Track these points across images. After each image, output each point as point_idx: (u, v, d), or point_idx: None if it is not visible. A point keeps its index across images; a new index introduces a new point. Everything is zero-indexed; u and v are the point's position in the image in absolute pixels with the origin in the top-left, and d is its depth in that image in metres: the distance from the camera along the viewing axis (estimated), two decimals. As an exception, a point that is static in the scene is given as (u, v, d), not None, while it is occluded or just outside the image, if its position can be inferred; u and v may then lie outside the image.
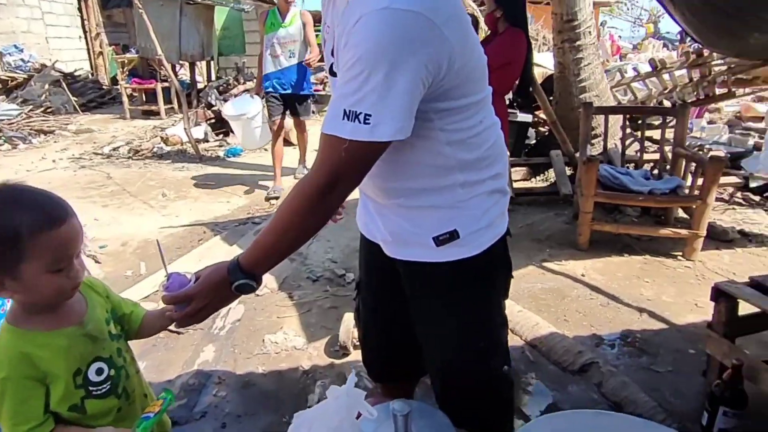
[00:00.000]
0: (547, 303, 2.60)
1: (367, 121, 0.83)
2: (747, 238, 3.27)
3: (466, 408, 1.21)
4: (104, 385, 0.98)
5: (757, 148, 4.31)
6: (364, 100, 0.83)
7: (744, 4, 1.55)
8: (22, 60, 8.54)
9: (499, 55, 2.72)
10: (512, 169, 4.35)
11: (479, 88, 1.00)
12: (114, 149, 6.06)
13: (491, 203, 1.08)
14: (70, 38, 9.98)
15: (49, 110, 7.74)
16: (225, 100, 7.03)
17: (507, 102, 4.07)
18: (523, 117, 4.47)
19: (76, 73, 9.35)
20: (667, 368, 2.10)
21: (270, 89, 4.29)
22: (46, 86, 7.92)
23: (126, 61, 8.94)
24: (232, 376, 2.09)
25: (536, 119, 4.86)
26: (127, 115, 8.11)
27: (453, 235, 1.05)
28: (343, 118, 0.84)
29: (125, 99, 8.19)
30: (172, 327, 2.28)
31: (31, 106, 7.47)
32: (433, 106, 0.93)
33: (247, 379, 2.07)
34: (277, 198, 4.23)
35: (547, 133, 4.68)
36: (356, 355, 2.14)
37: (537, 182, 4.46)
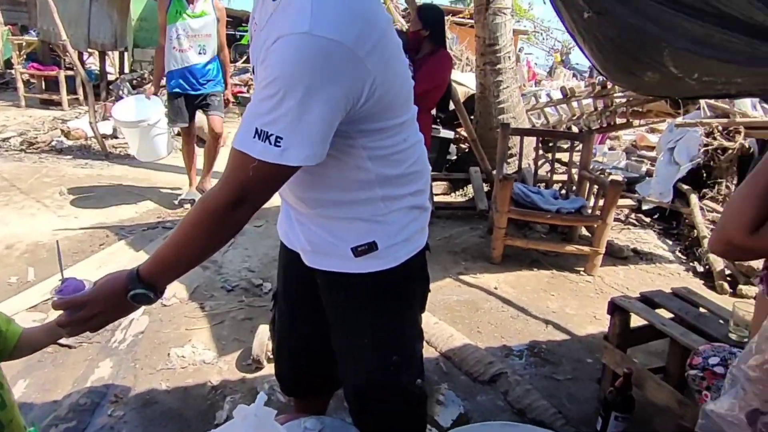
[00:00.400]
0: (462, 315, 2.68)
1: (278, 144, 0.81)
2: (639, 256, 3.60)
3: (380, 422, 1.20)
4: None
5: (649, 174, 4.78)
6: (276, 122, 0.81)
7: (641, 45, 1.72)
8: None
9: (431, 78, 2.88)
10: (433, 183, 4.47)
11: (403, 111, 1.01)
12: (3, 140, 5.43)
13: (410, 218, 1.09)
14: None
15: None
16: (138, 94, 6.60)
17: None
18: (446, 133, 4.62)
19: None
20: (567, 376, 2.24)
21: (176, 89, 3.74)
22: None
23: (24, 44, 8.11)
24: (131, 393, 1.93)
25: (457, 136, 5.05)
26: (21, 103, 7.33)
27: (371, 247, 1.05)
28: (254, 137, 0.82)
29: (20, 85, 7.40)
30: (62, 340, 2.09)
31: None
32: (353, 127, 0.92)
33: (148, 396, 1.92)
34: (192, 202, 3.92)
35: (467, 150, 4.87)
36: (269, 369, 2.06)
37: (456, 197, 4.62)
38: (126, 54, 8.77)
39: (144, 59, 9.46)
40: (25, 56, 8.03)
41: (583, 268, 3.28)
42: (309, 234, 1.11)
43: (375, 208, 1.05)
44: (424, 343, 1.98)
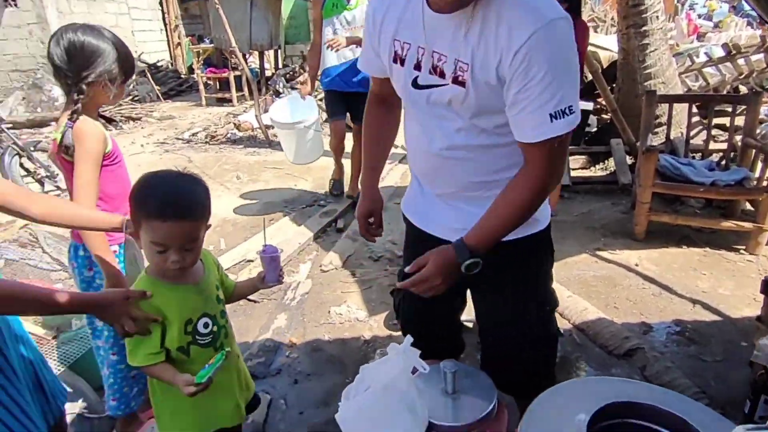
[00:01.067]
0: (598, 290, 2.68)
1: (571, 111, 1.01)
2: (820, 233, 3.14)
3: (530, 376, 1.37)
4: (207, 337, 1.24)
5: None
6: (565, 97, 0.99)
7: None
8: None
9: None
10: (571, 158, 4.35)
11: None
12: (193, 135, 6.58)
13: None
14: (153, 31, 10.74)
15: (136, 99, 8.47)
16: (293, 88, 7.39)
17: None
18: (584, 104, 4.43)
19: (158, 64, 10.11)
20: (716, 358, 2.15)
21: (334, 87, 3.60)
22: (133, 77, 8.63)
23: (201, 51, 9.55)
24: (301, 341, 2.37)
25: (597, 106, 4.80)
26: (203, 103, 8.70)
27: None
28: (552, 121, 1.00)
29: (201, 87, 8.78)
30: (252, 296, 2.62)
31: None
32: None
33: (315, 344, 2.35)
34: (344, 194, 4.04)
35: (608, 121, 4.62)
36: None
37: (596, 171, 4.43)
38: (279, 51, 9.81)
39: (294, 54, 10.47)
40: (202, 62, 9.48)
41: (744, 247, 2.99)
42: (463, 215, 1.24)
43: None
44: (558, 314, 2.09)
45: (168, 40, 11.20)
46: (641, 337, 2.28)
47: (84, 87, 1.36)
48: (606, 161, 4.39)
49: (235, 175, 4.89)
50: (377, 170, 1.48)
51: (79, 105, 1.38)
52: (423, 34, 1.09)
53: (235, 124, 6.69)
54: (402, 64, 1.16)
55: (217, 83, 9.10)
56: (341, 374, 2.13)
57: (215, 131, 6.62)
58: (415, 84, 1.15)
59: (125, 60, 1.43)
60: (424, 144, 1.23)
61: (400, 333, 2.39)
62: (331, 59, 3.50)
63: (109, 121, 1.40)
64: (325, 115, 4.16)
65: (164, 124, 7.45)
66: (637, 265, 2.90)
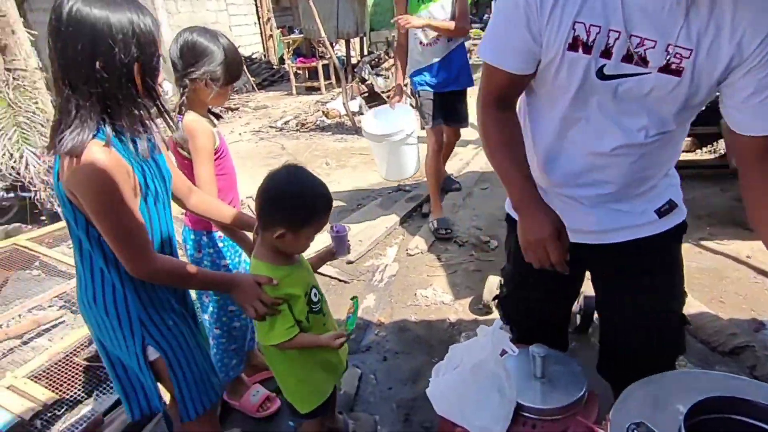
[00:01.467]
0: (702, 282, 2.51)
1: None
2: None
3: (665, 366, 1.31)
4: (317, 305, 1.39)
5: None
6: None
7: None
8: (213, 47, 10.04)
9: None
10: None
11: None
12: (285, 123, 6.95)
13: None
14: (247, 25, 11.39)
15: (234, 90, 9.07)
16: (378, 75, 7.52)
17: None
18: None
19: (253, 56, 10.73)
20: (842, 361, 1.94)
21: (426, 88, 3.14)
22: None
23: (291, 42, 9.98)
24: (389, 321, 2.48)
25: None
26: (293, 92, 9.12)
27: (671, 205, 1.22)
28: None
29: (292, 77, 9.20)
30: (339, 276, 2.78)
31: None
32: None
33: (402, 324, 2.44)
34: (447, 234, 3.19)
35: (716, 98, 4.20)
36: (497, 315, 2.36)
37: (702, 154, 4.08)
38: (364, 38, 9.98)
39: (378, 40, 10.59)
40: (292, 52, 9.90)
41: None
42: (608, 215, 1.22)
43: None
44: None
45: (261, 33, 11.81)
46: (751, 335, 2.11)
47: (187, 82, 1.51)
48: (715, 143, 4.02)
49: (324, 161, 5.11)
50: (532, 179, 1.18)
51: (184, 98, 1.54)
52: (620, 15, 0.96)
53: (323, 111, 6.96)
54: (585, 50, 1.01)
55: (306, 72, 9.48)
56: (428, 354, 2.21)
57: (305, 119, 6.94)
58: (600, 74, 1.03)
59: (231, 64, 1.52)
60: (589, 143, 1.13)
61: (485, 317, 2.43)
62: (423, 57, 3.09)
63: (217, 117, 1.56)
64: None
65: (259, 113, 7.93)
66: (748, 257, 2.67)
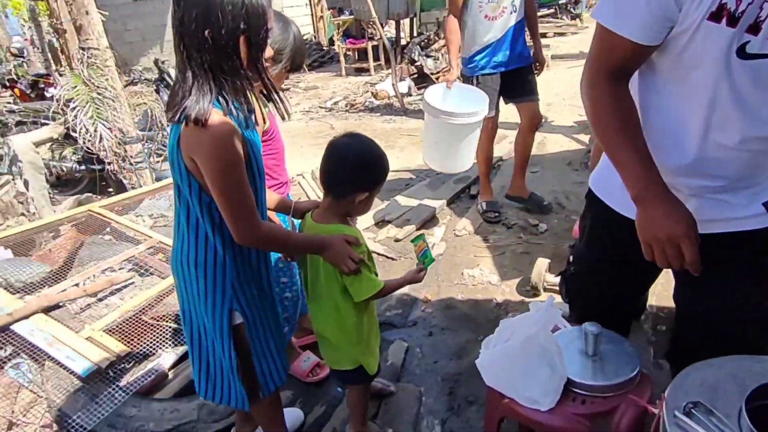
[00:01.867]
0: None
1: None
2: None
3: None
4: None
5: None
6: None
7: None
8: (265, 28, 10.25)
9: None
10: None
11: None
12: (334, 103, 7.03)
13: None
14: (299, 6, 11.49)
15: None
16: (427, 56, 7.44)
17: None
18: None
19: (305, 37, 10.85)
20: None
21: (487, 70, 2.86)
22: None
23: (341, 23, 10.01)
24: (436, 298, 2.52)
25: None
26: (342, 73, 9.18)
27: None
28: None
29: (342, 58, 9.25)
30: (387, 253, 2.83)
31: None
32: None
33: (448, 302, 2.48)
34: (496, 218, 3.13)
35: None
36: (544, 297, 2.36)
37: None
38: (414, 19, 9.87)
39: (429, 21, 10.45)
40: (342, 33, 9.94)
41: None
42: (707, 204, 1.09)
43: None
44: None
45: (312, 14, 11.90)
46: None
47: None
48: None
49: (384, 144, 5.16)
50: (655, 165, 1.02)
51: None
52: None
53: (372, 92, 6.98)
54: (730, 22, 0.86)
55: (356, 53, 9.50)
56: (474, 332, 2.23)
57: (354, 100, 6.99)
58: (741, 52, 0.89)
59: (296, 52, 1.59)
60: (713, 133, 1.00)
61: (532, 300, 2.42)
62: (490, 33, 2.79)
63: (268, 99, 1.59)
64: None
65: (309, 93, 8.05)
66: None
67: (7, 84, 6.78)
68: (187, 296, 1.29)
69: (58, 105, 3.86)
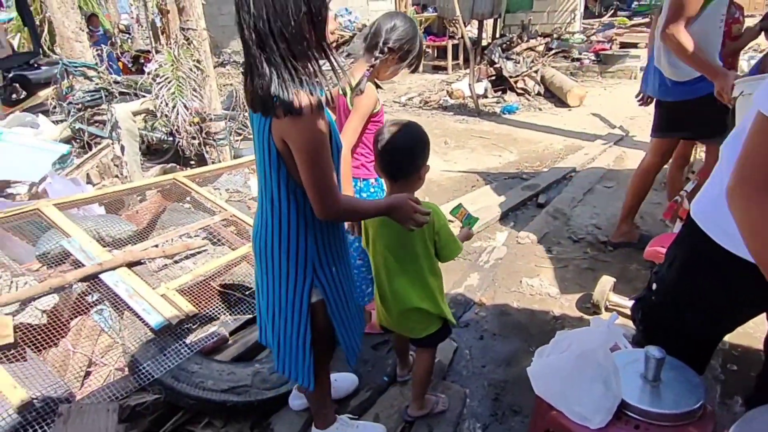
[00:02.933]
0: None
1: None
2: None
3: None
4: None
5: None
6: None
7: None
8: (349, 20, 10.48)
9: None
10: None
11: None
12: (408, 99, 7.07)
13: None
14: (384, 1, 11.61)
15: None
16: (508, 58, 7.29)
17: None
18: None
19: (385, 31, 10.97)
20: None
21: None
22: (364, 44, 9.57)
23: (424, 20, 10.01)
24: (491, 302, 2.50)
25: None
26: (420, 69, 9.19)
27: None
28: None
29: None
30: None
31: (353, 60, 9.19)
32: None
33: (503, 308, 2.45)
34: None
35: None
36: (606, 316, 2.26)
37: None
38: (498, 20, 9.67)
39: (513, 23, 10.22)
40: (423, 30, 9.94)
41: None
42: None
43: None
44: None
45: (396, 9, 11.98)
46: None
47: (385, 49, 1.77)
48: None
49: (444, 140, 5.14)
50: None
51: (377, 61, 1.78)
52: None
53: (448, 91, 6.95)
54: None
55: (435, 51, 9.48)
56: (525, 341, 2.20)
57: (429, 97, 6.99)
58: None
59: (419, 55, 1.86)
60: None
61: (592, 317, 2.33)
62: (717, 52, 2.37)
63: (378, 86, 1.81)
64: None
65: (385, 87, 8.12)
66: None
67: (114, 57, 7.39)
68: (266, 274, 1.36)
69: (148, 79, 4.18)
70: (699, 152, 3.51)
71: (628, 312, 2.19)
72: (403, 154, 1.48)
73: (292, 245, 1.30)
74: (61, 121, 4.49)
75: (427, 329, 1.64)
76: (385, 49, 1.77)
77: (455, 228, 1.74)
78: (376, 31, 1.79)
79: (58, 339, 1.91)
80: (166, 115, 4.05)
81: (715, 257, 1.18)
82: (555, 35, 9.32)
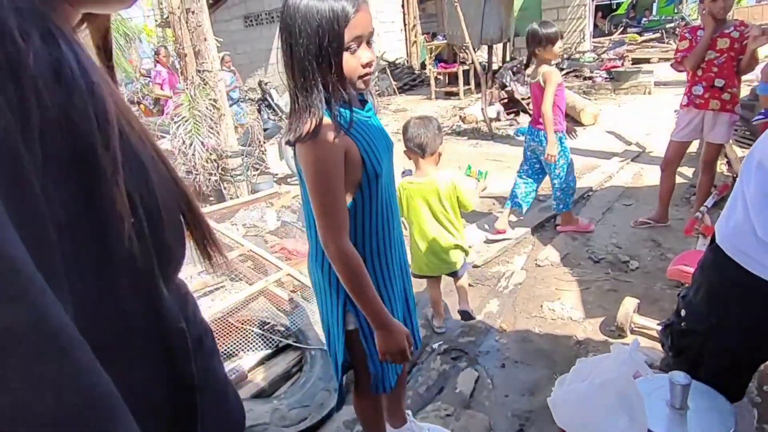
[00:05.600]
0: None
1: None
2: None
3: None
4: None
5: None
6: None
7: None
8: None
9: None
10: None
11: None
12: (421, 126, 7.13)
13: None
14: (394, 32, 11.88)
15: (376, 92, 9.58)
16: (518, 81, 7.33)
17: None
18: None
19: (397, 61, 11.18)
20: None
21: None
22: (377, 73, 9.77)
23: (434, 48, 10.18)
24: (512, 329, 2.44)
25: None
26: (432, 96, 9.32)
27: None
28: None
29: (432, 82, 9.40)
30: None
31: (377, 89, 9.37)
32: None
33: (524, 334, 2.39)
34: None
35: None
36: (630, 339, 2.19)
37: None
38: (508, 44, 9.78)
39: (522, 46, 10.30)
40: (433, 58, 10.11)
41: None
42: None
43: None
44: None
45: (406, 39, 12.24)
46: None
47: (537, 50, 2.97)
48: None
49: (458, 165, 5.15)
50: None
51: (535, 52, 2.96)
52: None
53: (460, 116, 7.00)
54: None
55: (446, 77, 9.60)
56: (549, 369, 2.13)
57: (442, 123, 7.04)
58: None
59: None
60: None
61: (617, 341, 2.26)
62: None
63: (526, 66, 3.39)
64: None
65: (398, 115, 8.25)
66: None
67: (135, 100, 7.68)
68: (318, 296, 1.39)
69: (167, 120, 4.31)
70: (720, 165, 3.44)
71: (655, 334, 2.13)
72: (428, 134, 2.06)
73: (326, 267, 1.29)
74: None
75: (457, 264, 2.33)
76: (535, 50, 2.98)
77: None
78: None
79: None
80: (184, 153, 4.17)
81: (748, 283, 1.16)
82: (565, 56, 9.36)
